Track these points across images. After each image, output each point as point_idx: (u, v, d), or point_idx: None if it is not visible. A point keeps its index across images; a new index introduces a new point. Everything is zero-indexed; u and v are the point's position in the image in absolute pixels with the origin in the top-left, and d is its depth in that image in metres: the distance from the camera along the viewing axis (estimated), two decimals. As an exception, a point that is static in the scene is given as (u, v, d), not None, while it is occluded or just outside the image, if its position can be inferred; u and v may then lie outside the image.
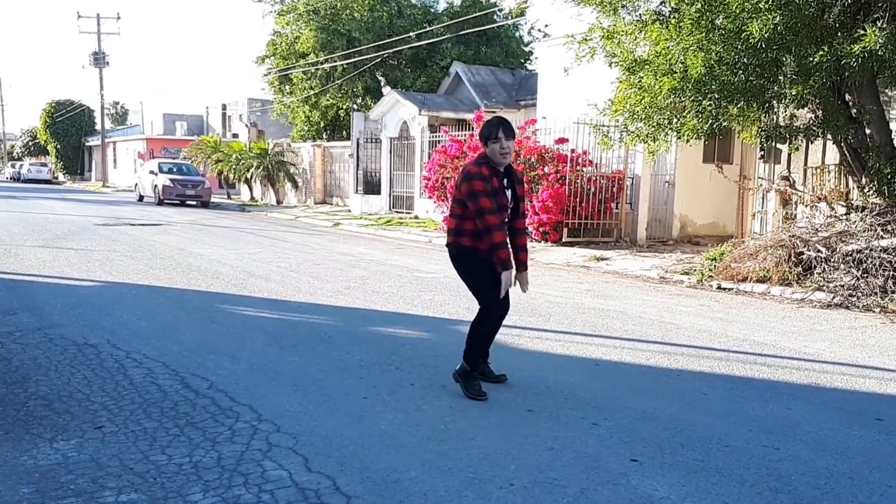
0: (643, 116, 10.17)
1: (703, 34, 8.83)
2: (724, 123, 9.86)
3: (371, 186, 24.04)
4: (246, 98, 41.57)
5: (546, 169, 14.22)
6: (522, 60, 29.98)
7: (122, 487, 3.34)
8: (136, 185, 31.27)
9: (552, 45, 16.42)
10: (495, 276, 4.62)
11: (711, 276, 10.05)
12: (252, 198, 31.58)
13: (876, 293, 8.37)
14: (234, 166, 30.03)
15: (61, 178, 58.22)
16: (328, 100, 30.62)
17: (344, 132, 30.99)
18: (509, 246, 4.65)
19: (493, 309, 4.77)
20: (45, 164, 58.22)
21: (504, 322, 6.96)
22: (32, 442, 3.85)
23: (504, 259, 4.56)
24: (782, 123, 10.43)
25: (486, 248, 4.58)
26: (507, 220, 4.67)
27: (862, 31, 7.93)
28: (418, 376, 5.15)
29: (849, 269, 8.75)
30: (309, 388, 4.90)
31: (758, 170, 12.74)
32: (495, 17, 29.44)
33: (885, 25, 8.02)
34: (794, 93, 8.91)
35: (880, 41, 7.72)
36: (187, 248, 12.93)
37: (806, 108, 10.07)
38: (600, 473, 3.62)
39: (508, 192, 4.68)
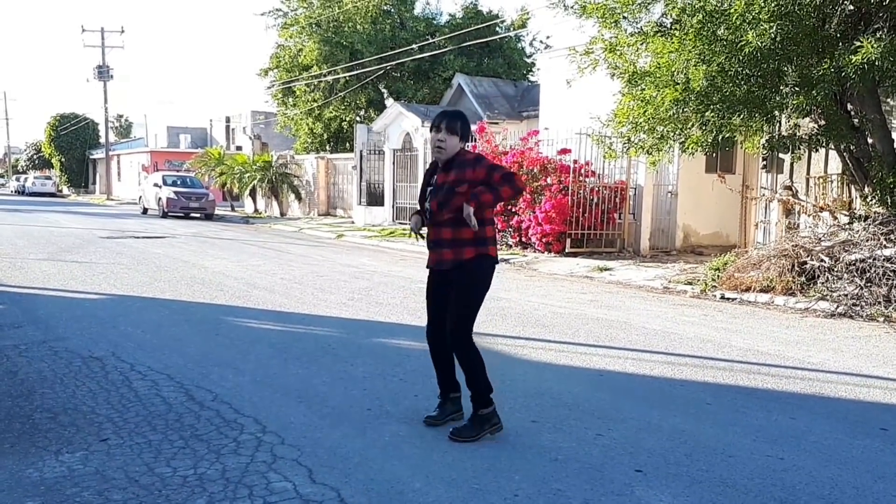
0: (646, 128, 10.20)
1: (705, 45, 8.87)
2: (728, 135, 9.89)
3: (374, 198, 24.09)
4: (250, 110, 41.67)
5: (549, 180, 14.25)
6: (525, 72, 30.07)
7: (128, 500, 3.35)
8: (140, 197, 31.37)
9: (554, 57, 16.49)
10: (427, 293, 4.42)
11: (715, 286, 10.05)
12: (256, 210, 31.65)
13: (880, 302, 8.36)
14: (237, 178, 30.12)
15: (66, 191, 58.40)
16: (331, 112, 30.73)
17: (347, 144, 31.08)
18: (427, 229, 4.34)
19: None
20: (49, 178, 58.43)
21: (508, 332, 6.98)
22: (38, 454, 3.86)
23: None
24: (785, 133, 10.45)
25: (430, 257, 4.32)
26: (428, 215, 4.25)
27: (859, 43, 7.96)
28: (422, 387, 5.16)
29: (852, 278, 8.74)
30: (313, 399, 4.90)
31: (760, 179, 12.75)
32: (497, 28, 29.56)
33: (883, 36, 8.05)
34: (796, 103, 8.94)
35: (878, 52, 7.75)
36: (191, 260, 12.96)
37: (808, 118, 10.09)
38: (604, 484, 3.62)
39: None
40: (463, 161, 4.18)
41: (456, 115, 4.25)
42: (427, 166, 4.50)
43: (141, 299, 8.78)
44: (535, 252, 14.38)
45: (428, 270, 4.40)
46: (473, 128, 19.70)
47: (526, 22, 30.46)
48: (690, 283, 10.56)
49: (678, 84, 9.25)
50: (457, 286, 4.20)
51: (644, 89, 9.77)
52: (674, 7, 9.23)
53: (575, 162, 14.34)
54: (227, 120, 46.63)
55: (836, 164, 10.98)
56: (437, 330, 4.36)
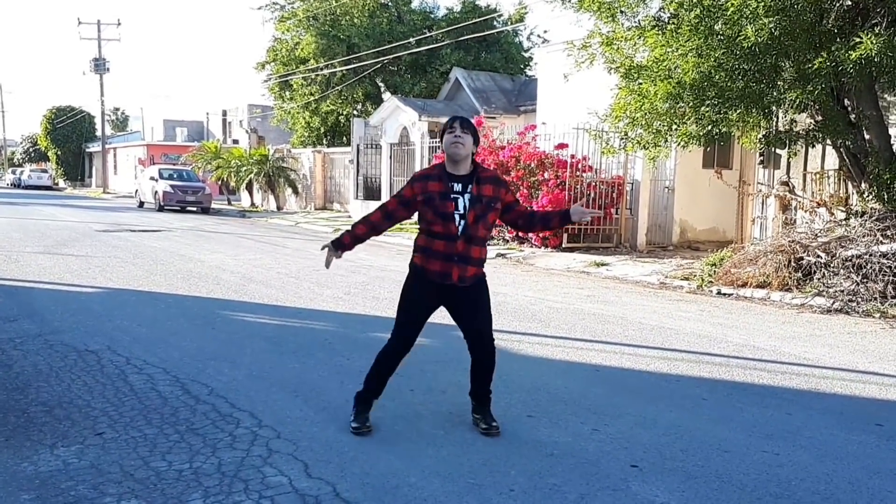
0: (643, 123, 10.19)
1: (702, 40, 8.86)
2: (724, 129, 9.88)
3: (371, 192, 24.06)
4: (246, 104, 41.63)
5: (546, 174, 14.24)
6: (522, 66, 30.06)
7: (123, 494, 3.35)
8: (137, 191, 31.31)
9: (552, 51, 16.47)
10: (410, 302, 4.21)
11: (711, 282, 10.05)
12: (252, 204, 31.59)
13: (876, 298, 8.37)
14: (234, 172, 30.05)
15: (62, 184, 58.24)
16: (328, 106, 30.68)
17: (344, 138, 31.03)
18: (358, 235, 4.22)
19: (393, 334, 4.25)
20: (45, 171, 58.25)
21: (504, 328, 6.97)
22: (33, 448, 3.86)
23: (340, 239, 4.22)
24: (781, 129, 10.45)
25: (435, 269, 4.09)
26: (458, 229, 4.05)
27: (858, 39, 7.96)
28: (418, 382, 5.15)
29: (848, 274, 8.75)
30: (309, 394, 4.90)
31: (757, 175, 12.76)
32: (495, 22, 29.51)
33: (881, 31, 8.04)
34: (793, 98, 8.93)
35: (876, 47, 7.75)
36: (188, 254, 12.94)
37: (805, 114, 10.08)
38: (600, 479, 3.62)
39: (463, 199, 4.07)
40: (496, 178, 4.28)
41: (466, 118, 4.25)
42: (423, 163, 4.38)
43: (137, 293, 8.77)
44: (531, 247, 14.38)
45: (421, 282, 4.15)
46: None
47: (523, 16, 30.46)
48: (687, 279, 10.56)
49: (673, 78, 9.25)
50: (481, 298, 4.22)
51: (641, 83, 9.76)
52: (671, 1, 9.21)
53: (572, 157, 14.33)
54: (224, 113, 46.59)
55: (832, 160, 10.98)
56: (410, 344, 4.23)
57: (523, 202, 14.25)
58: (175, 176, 28.63)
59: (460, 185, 4.11)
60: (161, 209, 26.99)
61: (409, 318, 4.23)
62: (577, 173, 14.20)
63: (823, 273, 9.02)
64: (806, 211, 11.21)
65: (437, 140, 18.83)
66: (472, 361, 4.28)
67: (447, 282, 4.11)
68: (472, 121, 4.31)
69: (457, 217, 4.06)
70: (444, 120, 22.89)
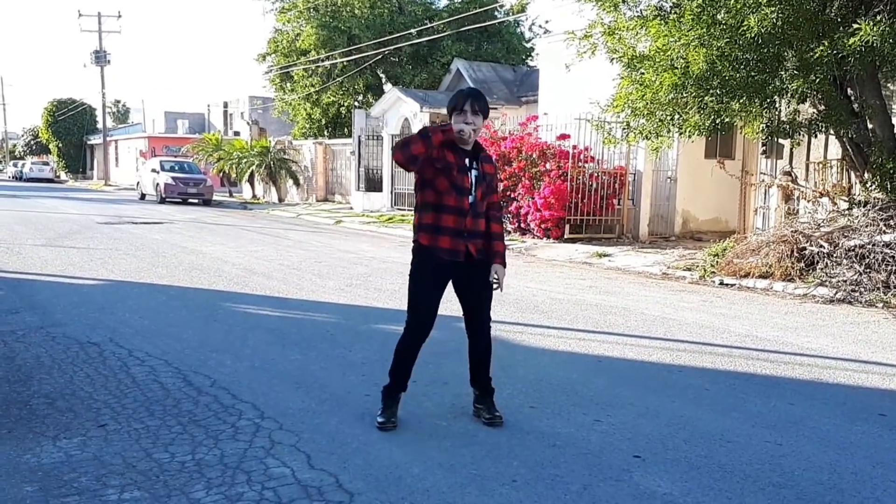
0: (645, 113, 10.15)
1: (704, 29, 8.82)
2: (727, 119, 9.85)
3: (373, 184, 24.01)
4: (247, 96, 41.57)
5: (548, 165, 14.20)
6: (524, 57, 29.96)
7: (125, 485, 3.35)
8: (138, 183, 31.29)
9: (553, 42, 16.39)
10: (422, 285, 4.07)
11: (714, 272, 10.04)
12: (254, 196, 31.57)
13: (879, 288, 8.36)
14: (235, 164, 30.02)
15: (63, 176, 58.24)
16: (329, 97, 30.61)
17: (345, 129, 30.97)
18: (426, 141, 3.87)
19: (409, 321, 4.14)
20: (47, 163, 58.23)
21: (506, 318, 6.95)
22: (36, 440, 3.86)
23: (418, 135, 3.87)
24: (784, 118, 10.41)
25: (445, 245, 3.99)
26: (469, 205, 4.00)
27: (857, 26, 7.92)
28: (420, 374, 5.12)
29: (851, 264, 8.73)
30: (311, 385, 4.90)
31: (760, 165, 12.72)
32: (496, 13, 29.40)
33: (883, 19, 8.00)
34: (795, 88, 8.89)
35: (876, 35, 7.70)
36: (189, 246, 12.94)
37: (808, 103, 10.04)
38: (603, 470, 3.62)
39: (472, 174, 4.01)
40: (490, 157, 4.22)
41: (478, 94, 4.04)
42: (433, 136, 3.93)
43: (139, 285, 8.77)
44: (533, 238, 14.36)
45: (431, 262, 4.03)
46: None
47: (525, 6, 30.26)
48: (689, 269, 10.55)
49: (677, 68, 9.21)
50: (488, 280, 4.14)
51: (643, 73, 9.73)
52: (674, -10, 9.18)
53: (574, 147, 14.29)
54: (225, 105, 46.50)
55: (835, 150, 10.94)
56: (428, 329, 4.15)
57: (525, 193, 14.25)
58: (176, 168, 28.61)
59: (467, 159, 4.03)
60: (163, 201, 26.97)
61: (423, 301, 4.10)
62: (580, 164, 14.16)
63: (826, 263, 9.00)
64: (809, 201, 11.18)
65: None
66: (468, 345, 4.27)
67: (459, 259, 4.04)
68: (483, 95, 4.10)
69: (468, 192, 4.00)
70: (445, 111, 22.73)
